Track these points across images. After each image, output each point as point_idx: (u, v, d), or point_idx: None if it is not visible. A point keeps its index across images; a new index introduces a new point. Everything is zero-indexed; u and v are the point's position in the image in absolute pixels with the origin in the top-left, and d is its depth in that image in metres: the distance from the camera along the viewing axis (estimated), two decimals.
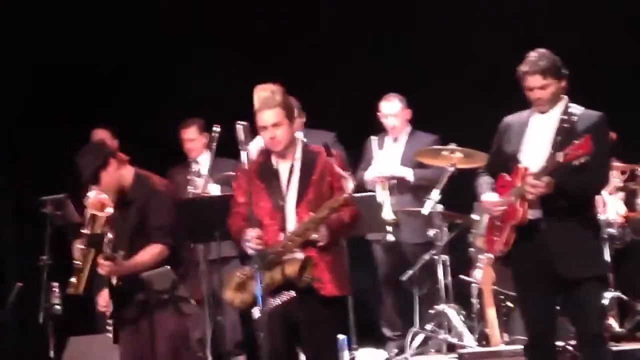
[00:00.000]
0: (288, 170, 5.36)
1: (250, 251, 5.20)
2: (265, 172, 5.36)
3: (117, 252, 5.88)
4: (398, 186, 7.95)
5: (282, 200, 5.30)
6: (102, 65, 9.22)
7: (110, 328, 6.09)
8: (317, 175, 5.32)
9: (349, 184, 5.17)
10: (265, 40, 9.07)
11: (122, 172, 5.96)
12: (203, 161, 8.25)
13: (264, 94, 5.28)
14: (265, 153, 5.48)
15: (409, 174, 7.94)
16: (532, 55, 5.50)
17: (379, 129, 8.18)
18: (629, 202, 7.73)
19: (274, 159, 5.39)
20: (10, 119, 9.19)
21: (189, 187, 8.08)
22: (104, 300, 6.08)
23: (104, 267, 5.78)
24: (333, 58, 9.08)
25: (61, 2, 9.35)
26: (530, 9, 8.78)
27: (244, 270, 5.30)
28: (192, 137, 8.30)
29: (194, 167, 8.23)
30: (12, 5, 9.35)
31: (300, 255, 5.21)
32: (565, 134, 5.36)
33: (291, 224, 5.28)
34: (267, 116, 5.26)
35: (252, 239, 5.15)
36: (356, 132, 8.21)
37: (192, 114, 8.50)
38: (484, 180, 5.70)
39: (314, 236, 5.21)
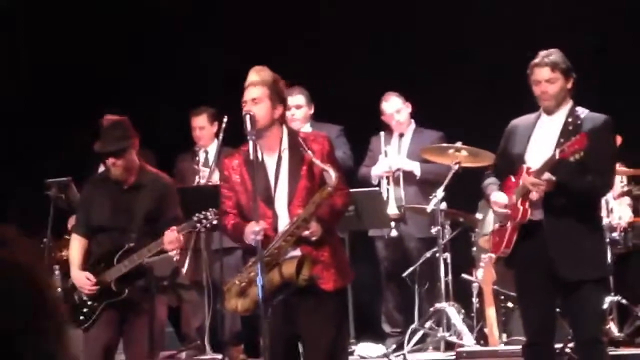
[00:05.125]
0: (275, 162, 5.22)
1: (254, 244, 5.04)
2: (251, 164, 5.16)
3: (129, 233, 6.01)
4: (404, 179, 7.99)
5: (270, 198, 5.17)
6: (102, 65, 9.25)
7: (84, 315, 6.08)
8: (308, 165, 5.16)
9: (331, 176, 5.05)
10: (265, 40, 9.05)
11: (135, 156, 6.17)
12: (212, 150, 8.24)
13: (254, 72, 5.25)
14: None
15: (416, 168, 7.98)
16: (543, 51, 5.55)
17: (379, 129, 8.20)
18: (636, 208, 7.73)
19: (259, 149, 5.16)
20: (11, 119, 9.23)
21: (196, 176, 8.08)
22: (89, 280, 6.09)
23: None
24: (333, 58, 9.07)
25: (61, 2, 9.36)
26: (531, 8, 8.78)
27: (242, 277, 5.16)
28: (202, 125, 8.29)
29: (200, 156, 8.24)
30: (12, 5, 9.35)
31: (296, 253, 5.10)
32: (568, 136, 5.37)
33: (283, 221, 5.15)
34: (249, 91, 5.22)
35: (259, 233, 4.98)
36: (355, 132, 8.21)
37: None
38: (491, 181, 5.71)
39: (306, 233, 5.08)
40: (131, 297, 6.04)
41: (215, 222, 5.98)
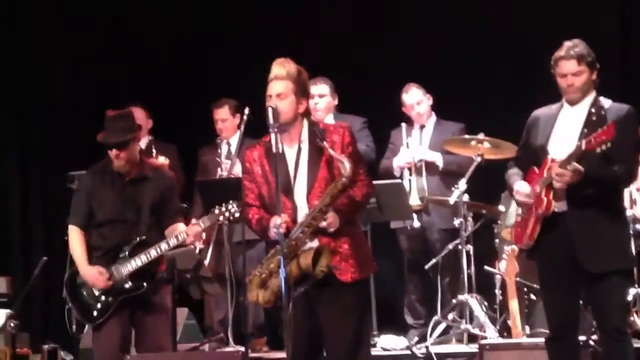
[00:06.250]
0: (295, 154, 5.21)
1: (276, 237, 5.06)
2: (272, 155, 5.14)
3: (138, 225, 5.98)
4: (427, 170, 7.98)
5: (289, 189, 5.15)
6: (106, 64, 9.29)
7: (98, 310, 6.03)
8: (327, 155, 5.14)
9: (346, 166, 5.04)
10: (273, 35, 9.05)
11: (137, 148, 6.15)
12: (234, 142, 8.24)
13: (279, 65, 5.20)
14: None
15: (438, 159, 7.97)
16: (568, 42, 5.50)
17: (398, 123, 8.16)
18: None
19: (279, 141, 5.13)
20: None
21: (218, 168, 8.10)
22: (102, 274, 6.03)
23: None
24: (352, 49, 9.05)
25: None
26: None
27: (262, 268, 5.14)
28: (224, 117, 8.29)
29: (223, 148, 8.24)
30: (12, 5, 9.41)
31: (314, 244, 5.09)
32: (593, 126, 5.33)
33: (302, 212, 5.13)
34: (274, 85, 5.18)
35: (281, 226, 5.01)
36: (374, 126, 8.17)
37: (192, 114, 8.50)
38: (515, 171, 5.68)
39: (323, 224, 5.07)
40: (145, 291, 6.01)
41: (237, 214, 5.96)
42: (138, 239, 6.02)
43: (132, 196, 6.07)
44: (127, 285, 6.00)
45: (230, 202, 5.97)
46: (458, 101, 8.48)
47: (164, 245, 5.96)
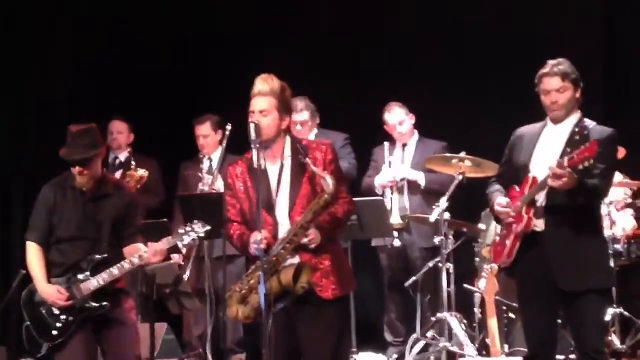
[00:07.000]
0: (278, 170, 5.23)
1: (257, 253, 5.06)
2: (254, 171, 5.17)
3: (101, 242, 5.87)
4: (409, 189, 7.99)
5: (271, 205, 5.17)
6: (106, 64, 9.28)
7: (58, 330, 5.81)
8: (310, 172, 5.16)
9: (329, 183, 5.07)
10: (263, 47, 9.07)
11: (100, 164, 5.99)
12: (216, 158, 8.23)
13: (262, 81, 5.23)
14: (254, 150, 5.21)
15: (421, 178, 7.98)
16: (552, 61, 5.53)
17: (382, 140, 8.19)
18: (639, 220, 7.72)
19: (262, 157, 5.17)
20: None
21: (199, 183, 8.08)
22: (62, 294, 5.82)
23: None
24: (336, 67, 9.07)
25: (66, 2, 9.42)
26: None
27: (242, 284, 5.15)
28: (206, 133, 8.29)
29: (205, 164, 8.23)
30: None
31: (295, 261, 5.10)
32: (575, 145, 5.34)
33: (284, 229, 5.15)
34: (257, 102, 5.20)
35: (262, 242, 5.02)
36: (358, 142, 8.20)
37: (193, 117, 8.51)
38: (497, 188, 5.68)
39: (305, 240, 5.09)
40: (107, 310, 5.84)
41: (202, 234, 5.86)
42: (99, 256, 5.84)
43: (93, 213, 5.89)
44: (88, 305, 5.80)
45: (196, 221, 5.87)
46: (458, 101, 8.50)
47: (126, 265, 5.78)
